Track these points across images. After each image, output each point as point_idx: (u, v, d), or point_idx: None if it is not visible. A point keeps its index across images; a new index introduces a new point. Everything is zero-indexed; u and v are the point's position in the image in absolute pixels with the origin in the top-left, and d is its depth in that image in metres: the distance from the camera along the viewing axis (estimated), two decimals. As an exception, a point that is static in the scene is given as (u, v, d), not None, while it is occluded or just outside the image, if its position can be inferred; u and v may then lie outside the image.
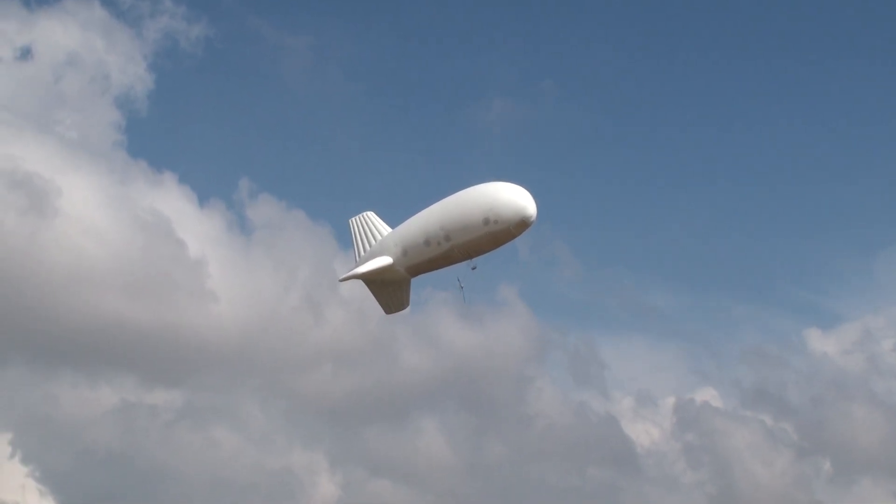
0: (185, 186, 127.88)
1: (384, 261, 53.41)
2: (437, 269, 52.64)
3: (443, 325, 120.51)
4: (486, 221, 49.12)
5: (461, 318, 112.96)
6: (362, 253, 55.55)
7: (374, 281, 55.12)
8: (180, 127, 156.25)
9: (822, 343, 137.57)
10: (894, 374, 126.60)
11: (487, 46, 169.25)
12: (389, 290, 55.25)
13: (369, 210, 57.12)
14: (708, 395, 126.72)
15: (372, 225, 56.10)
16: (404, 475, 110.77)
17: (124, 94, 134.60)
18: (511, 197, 49.15)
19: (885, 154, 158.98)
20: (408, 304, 56.07)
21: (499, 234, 49.38)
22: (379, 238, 55.13)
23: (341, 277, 55.77)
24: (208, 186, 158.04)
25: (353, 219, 56.90)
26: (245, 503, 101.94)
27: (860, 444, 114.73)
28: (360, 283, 56.27)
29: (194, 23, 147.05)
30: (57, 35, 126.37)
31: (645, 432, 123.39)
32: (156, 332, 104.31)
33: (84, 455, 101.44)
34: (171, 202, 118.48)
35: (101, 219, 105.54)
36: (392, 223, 55.93)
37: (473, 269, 51.12)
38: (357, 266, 55.16)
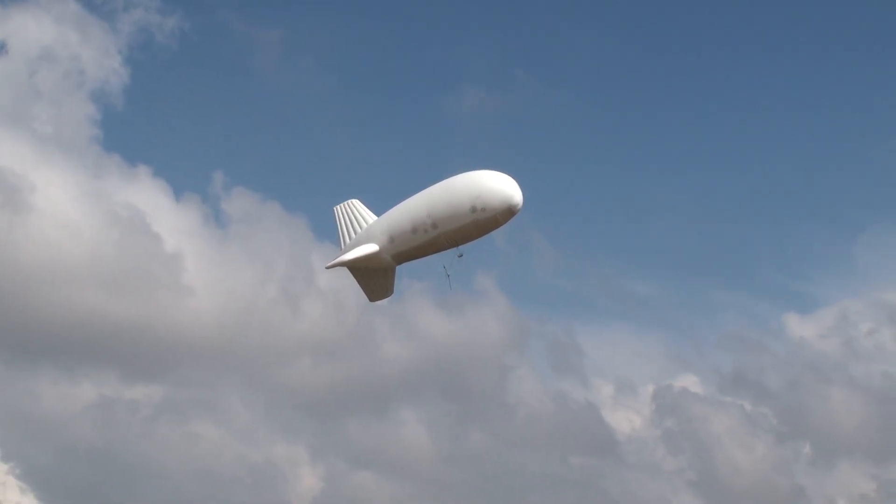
0: (159, 180, 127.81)
1: (370, 248, 53.67)
2: (423, 256, 52.96)
3: (422, 316, 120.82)
4: (473, 209, 49.50)
5: (440, 307, 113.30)
6: (347, 240, 55.77)
7: (359, 268, 55.37)
8: (156, 121, 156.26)
9: (802, 328, 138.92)
10: (873, 358, 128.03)
11: (458, 36, 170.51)
12: (374, 277, 55.51)
13: (353, 198, 57.39)
14: (687, 381, 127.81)
15: (357, 213, 56.32)
16: (386, 466, 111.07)
17: (99, 89, 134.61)
18: (498, 185, 49.56)
19: (864, 139, 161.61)
20: (392, 292, 56.40)
21: (485, 221, 49.77)
22: (364, 226, 55.37)
23: (328, 265, 55.99)
24: (183, 180, 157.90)
25: (338, 206, 57.08)
26: (228, 496, 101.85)
27: (839, 427, 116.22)
28: (343, 271, 56.51)
29: (169, 15, 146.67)
30: (31, 30, 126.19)
31: (625, 419, 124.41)
32: (134, 327, 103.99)
33: (65, 451, 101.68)
34: (146, 196, 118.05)
35: (75, 214, 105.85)
36: (370, 213, 56.31)
37: (460, 256, 51.54)
38: (343, 253, 55.37)
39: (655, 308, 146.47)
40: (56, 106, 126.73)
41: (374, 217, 55.55)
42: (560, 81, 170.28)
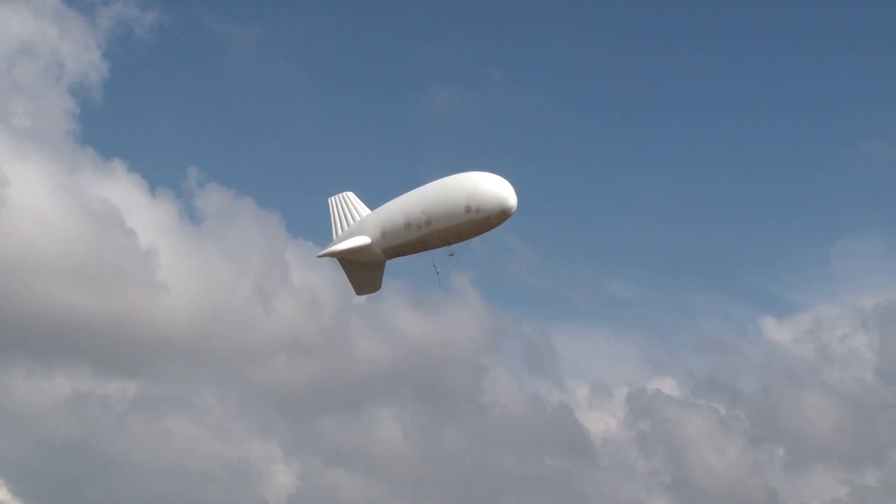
0: (134, 175, 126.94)
1: (362, 240, 54.01)
2: (413, 252, 53.31)
3: (398, 315, 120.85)
4: (468, 209, 49.95)
5: (416, 307, 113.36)
6: (340, 232, 56.08)
7: (349, 260, 55.67)
8: (133, 116, 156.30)
9: (778, 332, 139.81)
10: (847, 363, 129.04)
11: (432, 35, 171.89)
12: (363, 270, 55.82)
13: (347, 191, 57.76)
14: (663, 384, 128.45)
15: (351, 205, 56.66)
16: (360, 465, 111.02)
17: (79, 83, 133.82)
18: (493, 187, 50.02)
19: (843, 144, 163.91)
20: (380, 286, 56.71)
21: (479, 222, 50.22)
22: (357, 218, 55.70)
23: (319, 254, 56.24)
24: (158, 175, 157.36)
25: (332, 198, 57.42)
26: (202, 492, 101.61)
27: (813, 432, 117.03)
28: (333, 263, 56.82)
29: (148, 10, 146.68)
30: (10, 23, 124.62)
31: (600, 421, 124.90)
32: (108, 323, 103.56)
33: (39, 445, 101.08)
34: (121, 191, 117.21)
35: (49, 209, 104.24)
36: (364, 206, 56.69)
37: (451, 255, 51.97)
38: (334, 244, 55.66)
39: (633, 310, 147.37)
40: (34, 100, 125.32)
41: (368, 210, 55.93)
42: (535, 81, 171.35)
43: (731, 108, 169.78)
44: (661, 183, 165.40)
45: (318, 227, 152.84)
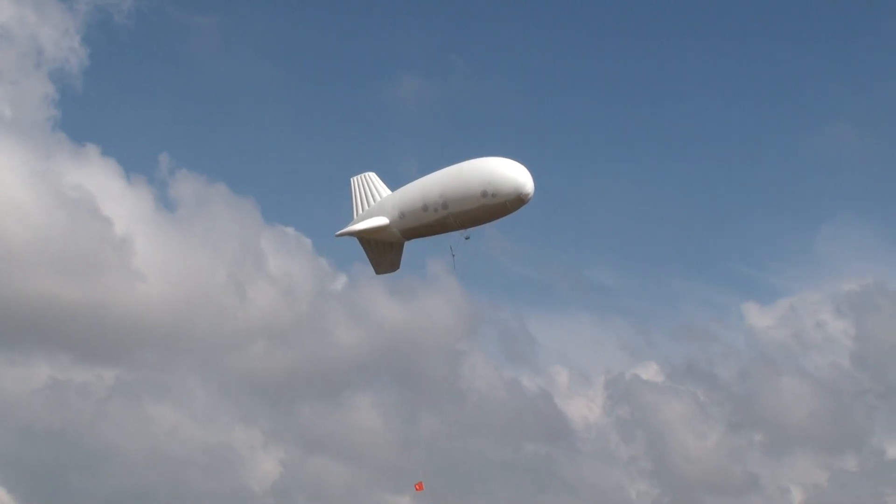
0: (109, 161, 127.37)
1: (381, 220, 54.92)
2: (431, 235, 54.06)
3: (374, 301, 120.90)
4: (485, 194, 50.53)
5: (393, 293, 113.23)
6: (360, 211, 56.97)
7: (369, 240, 56.59)
8: (109, 102, 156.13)
9: (760, 318, 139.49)
10: (829, 349, 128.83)
11: (394, 23, 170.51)
12: (382, 250, 56.70)
13: (370, 171, 58.50)
14: (643, 370, 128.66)
15: (372, 185, 57.44)
16: (341, 452, 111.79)
17: (58, 69, 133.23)
18: (510, 173, 50.54)
19: (827, 129, 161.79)
20: (398, 267, 57.55)
21: (495, 207, 50.83)
22: (378, 199, 56.51)
23: (338, 232, 57.19)
24: (131, 162, 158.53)
25: (355, 178, 58.24)
26: (184, 478, 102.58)
27: (793, 417, 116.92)
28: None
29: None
30: None
31: (580, 407, 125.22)
32: (85, 310, 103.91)
33: (19, 432, 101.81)
34: (97, 178, 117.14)
35: (24, 197, 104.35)
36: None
37: (467, 238, 52.66)
38: (354, 223, 56.59)
39: (614, 297, 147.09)
40: (13, 86, 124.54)
41: (389, 191, 56.68)
42: (503, 68, 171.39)
43: (715, 95, 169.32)
44: (643, 170, 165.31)
45: (294, 211, 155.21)
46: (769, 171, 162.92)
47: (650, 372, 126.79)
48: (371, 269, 57.74)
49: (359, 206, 57.35)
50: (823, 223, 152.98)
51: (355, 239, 57.21)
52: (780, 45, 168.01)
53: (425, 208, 52.55)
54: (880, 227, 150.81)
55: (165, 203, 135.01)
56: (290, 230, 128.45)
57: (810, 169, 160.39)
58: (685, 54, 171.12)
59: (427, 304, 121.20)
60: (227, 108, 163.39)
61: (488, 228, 53.30)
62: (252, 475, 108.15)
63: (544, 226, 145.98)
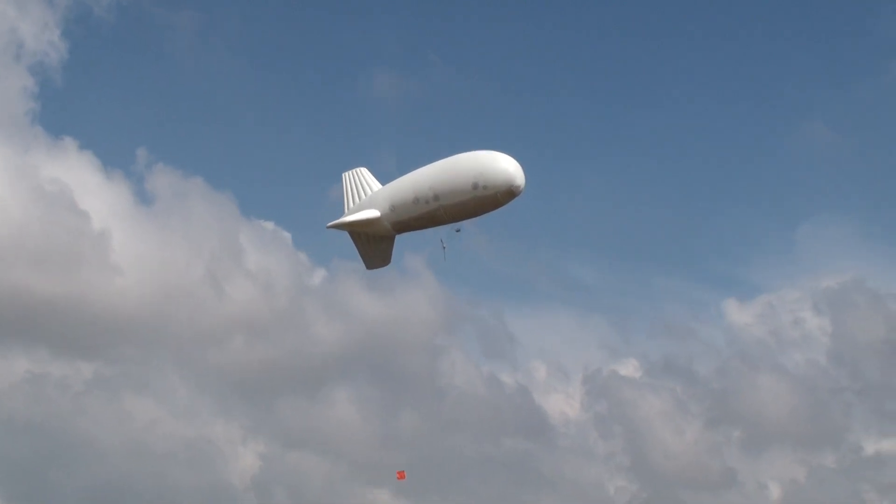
0: (87, 155, 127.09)
1: (371, 213, 54.85)
2: (421, 228, 53.99)
3: (353, 297, 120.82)
4: (475, 186, 50.56)
5: (371, 289, 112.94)
6: (351, 205, 56.89)
7: (360, 234, 56.46)
8: (91, 96, 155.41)
9: (740, 314, 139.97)
10: (807, 346, 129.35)
11: (370, 20, 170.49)
12: (373, 244, 56.56)
13: (361, 167, 58.50)
14: (622, 366, 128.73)
15: (364, 180, 57.42)
16: (320, 446, 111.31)
17: (38, 63, 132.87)
18: (501, 165, 50.58)
19: (807, 126, 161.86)
20: (389, 261, 57.41)
21: (486, 199, 50.84)
22: (369, 193, 56.45)
23: (328, 225, 57.08)
24: (109, 157, 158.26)
25: (346, 173, 58.25)
26: (164, 471, 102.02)
27: (771, 413, 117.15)
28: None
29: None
30: None
31: (559, 403, 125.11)
32: (64, 305, 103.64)
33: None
34: (74, 172, 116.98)
35: (2, 190, 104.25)
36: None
37: (457, 231, 52.62)
38: (345, 217, 56.51)
39: (594, 294, 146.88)
40: None
41: (380, 186, 56.64)
42: (480, 65, 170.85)
43: (696, 92, 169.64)
44: (625, 167, 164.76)
45: (273, 206, 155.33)
46: (750, 170, 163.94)
47: (629, 368, 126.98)
48: (354, 265, 57.77)
49: (350, 200, 57.28)
50: (803, 221, 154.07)
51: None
52: (759, 43, 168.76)
53: (416, 201, 52.52)
54: (859, 226, 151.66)
55: (143, 197, 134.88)
56: (269, 225, 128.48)
57: (790, 167, 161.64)
58: (665, 54, 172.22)
59: (406, 299, 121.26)
60: (205, 103, 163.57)
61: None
62: (232, 469, 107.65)
63: (524, 222, 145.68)
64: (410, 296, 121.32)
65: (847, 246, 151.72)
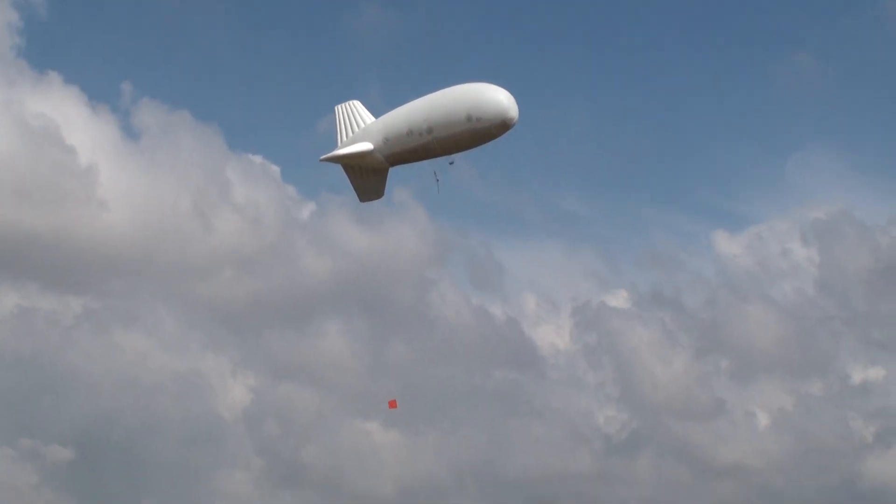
0: (72, 89, 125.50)
1: (365, 146, 54.83)
2: (415, 160, 54.04)
3: (341, 230, 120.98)
4: (469, 118, 50.58)
5: (359, 221, 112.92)
6: (344, 139, 56.77)
7: (353, 167, 56.45)
8: (76, 29, 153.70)
9: (729, 245, 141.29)
10: (795, 276, 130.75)
11: None
12: (366, 177, 56.59)
13: (354, 99, 58.21)
14: (612, 297, 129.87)
15: (356, 113, 57.21)
16: (309, 378, 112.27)
17: None
18: (495, 97, 50.56)
19: (797, 58, 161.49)
20: (382, 194, 57.50)
21: (479, 132, 50.89)
22: (362, 126, 56.31)
23: (321, 158, 56.99)
24: (95, 91, 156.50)
25: (339, 106, 57.97)
26: (155, 404, 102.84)
27: (759, 343, 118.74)
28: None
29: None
30: None
31: (548, 334, 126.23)
32: (52, 240, 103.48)
33: None
34: (60, 107, 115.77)
35: None
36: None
37: (451, 164, 52.72)
38: (338, 150, 56.42)
39: (583, 225, 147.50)
40: None
41: (373, 119, 56.48)
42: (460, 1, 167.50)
43: (685, 24, 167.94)
44: (615, 97, 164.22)
45: (259, 140, 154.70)
46: (739, 101, 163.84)
47: (618, 299, 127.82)
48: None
49: (343, 134, 57.13)
50: (793, 152, 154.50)
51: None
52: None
53: (409, 133, 52.51)
54: (848, 157, 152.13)
55: (129, 132, 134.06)
56: (258, 158, 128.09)
57: (780, 99, 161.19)
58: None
59: (396, 232, 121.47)
60: (190, 36, 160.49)
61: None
62: (222, 402, 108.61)
63: (513, 155, 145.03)
64: (400, 229, 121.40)
65: (835, 177, 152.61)
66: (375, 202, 57.99)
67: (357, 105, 57.63)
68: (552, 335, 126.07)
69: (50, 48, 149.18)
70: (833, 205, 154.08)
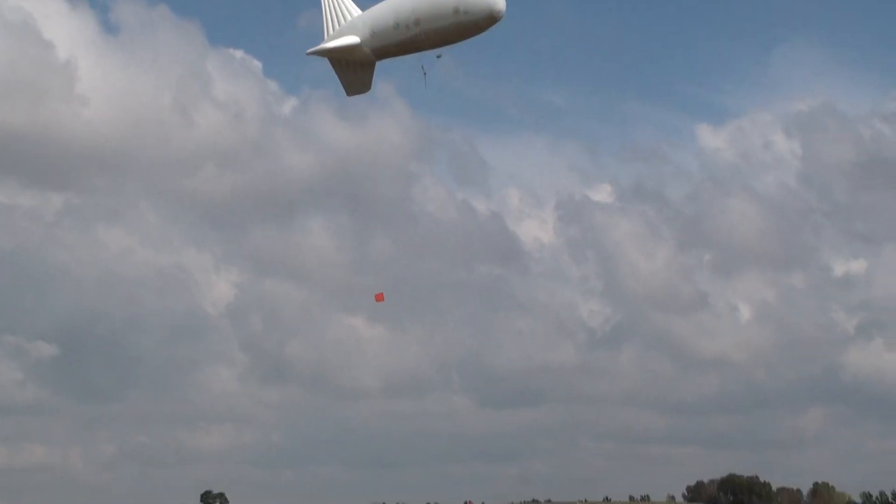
0: None
1: (352, 40, 54.66)
2: (402, 54, 53.92)
3: (324, 125, 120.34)
4: (456, 11, 50.48)
5: (341, 117, 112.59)
6: (331, 31, 56.43)
7: (340, 60, 56.25)
8: None
9: (712, 138, 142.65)
10: (778, 169, 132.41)
11: None
12: (353, 70, 56.45)
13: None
14: (595, 191, 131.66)
15: (343, 5, 56.79)
16: (293, 273, 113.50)
17: None
18: (483, -10, 50.14)
19: None
20: (369, 88, 57.47)
21: (467, 25, 50.85)
22: (349, 18, 55.94)
23: (308, 51, 56.74)
24: None
25: (325, -3, 57.39)
26: (138, 299, 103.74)
27: (742, 236, 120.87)
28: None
29: None
30: None
31: (532, 229, 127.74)
32: (30, 136, 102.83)
33: None
34: (37, 2, 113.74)
35: None
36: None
37: (439, 57, 52.73)
38: (325, 43, 56.13)
39: (566, 119, 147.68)
40: None
41: (360, 11, 56.07)
42: None
43: None
44: None
45: (240, 34, 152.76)
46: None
47: (601, 193, 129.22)
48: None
49: (329, 26, 56.76)
50: (778, 45, 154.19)
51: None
52: None
53: (397, 26, 52.33)
54: (832, 51, 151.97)
55: (107, 27, 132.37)
56: (239, 53, 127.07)
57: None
58: None
59: (379, 127, 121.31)
60: None
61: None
62: (206, 296, 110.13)
63: (496, 50, 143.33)
64: (383, 124, 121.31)
65: (819, 70, 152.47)
66: (358, 97, 57.89)
67: (344, -4, 57.08)
68: (536, 229, 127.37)
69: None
70: (815, 97, 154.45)
